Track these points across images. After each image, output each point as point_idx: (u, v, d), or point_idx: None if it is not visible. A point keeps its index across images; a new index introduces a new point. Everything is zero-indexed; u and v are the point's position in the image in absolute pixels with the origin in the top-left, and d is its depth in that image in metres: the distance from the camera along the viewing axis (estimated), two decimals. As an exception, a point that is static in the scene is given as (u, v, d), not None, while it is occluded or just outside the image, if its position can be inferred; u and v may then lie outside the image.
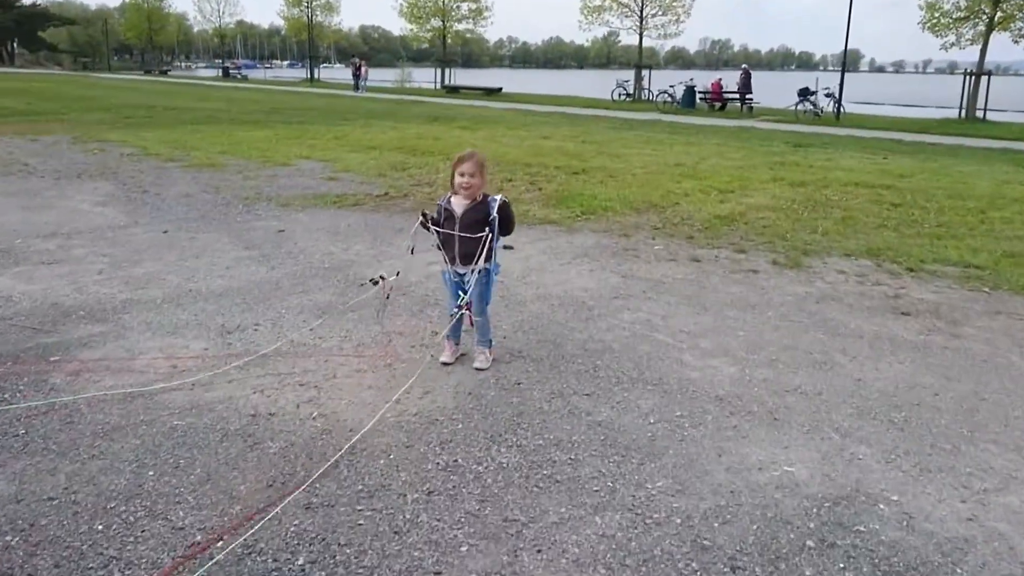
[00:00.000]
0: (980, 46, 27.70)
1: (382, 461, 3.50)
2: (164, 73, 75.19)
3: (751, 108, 30.82)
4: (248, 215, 8.72)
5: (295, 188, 10.44)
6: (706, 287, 6.35)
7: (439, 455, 3.57)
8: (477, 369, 4.55)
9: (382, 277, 4.70)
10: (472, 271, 4.42)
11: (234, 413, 3.95)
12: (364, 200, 9.69)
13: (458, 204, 4.37)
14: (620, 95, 37.14)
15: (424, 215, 4.49)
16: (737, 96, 31.20)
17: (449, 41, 48.64)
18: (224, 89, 42.72)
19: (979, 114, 27.48)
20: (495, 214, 4.32)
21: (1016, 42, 27.63)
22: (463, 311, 4.46)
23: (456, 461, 3.52)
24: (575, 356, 4.78)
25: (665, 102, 32.09)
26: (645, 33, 37.93)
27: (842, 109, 27.87)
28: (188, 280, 6.21)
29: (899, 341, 5.21)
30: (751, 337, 5.20)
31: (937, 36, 27.82)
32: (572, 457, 3.57)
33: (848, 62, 31.06)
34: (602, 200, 9.79)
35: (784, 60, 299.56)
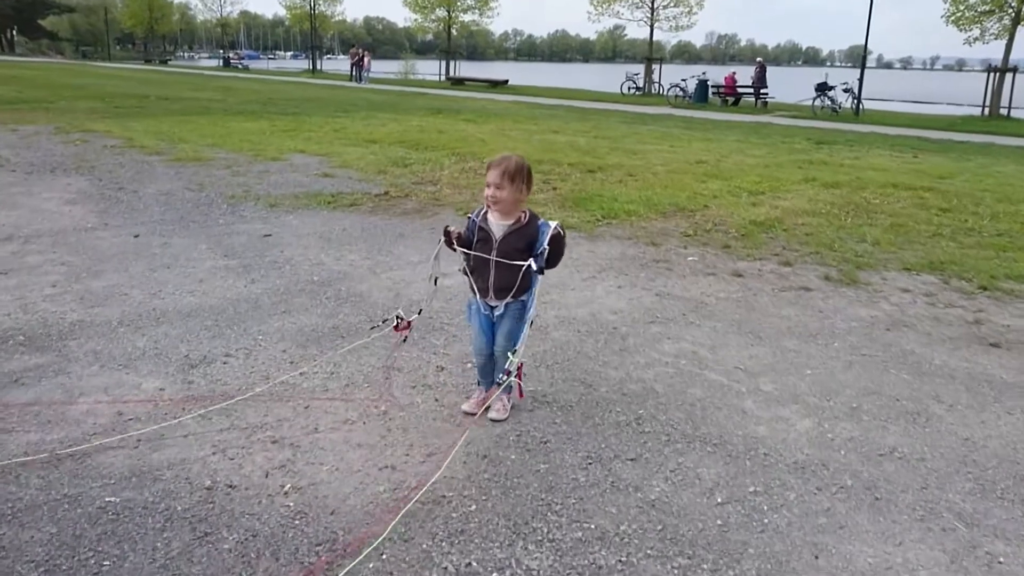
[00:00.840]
0: (1005, 42, 26.72)
1: (372, 565, 2.63)
2: (164, 63, 74.24)
3: (766, 103, 29.87)
4: (232, 217, 7.84)
5: (286, 186, 9.56)
6: (755, 309, 5.47)
7: (447, 555, 2.69)
8: (493, 420, 3.68)
9: (399, 318, 3.82)
10: (507, 307, 3.57)
11: (185, 484, 3.08)
12: (361, 200, 8.80)
13: (496, 224, 3.47)
14: (629, 88, 36.18)
15: (447, 233, 3.54)
16: (751, 91, 30.22)
17: (454, 32, 47.61)
18: (222, 79, 41.77)
19: (1003, 111, 26.52)
20: (546, 245, 3.39)
21: (1041, 37, 26.62)
22: (510, 379, 3.37)
23: (470, 565, 2.65)
24: (612, 402, 3.90)
25: (677, 96, 31.15)
26: (656, 25, 36.91)
27: (861, 106, 26.90)
28: (154, 296, 5.33)
29: (999, 384, 4.32)
30: (821, 377, 4.32)
31: (961, 30, 26.83)
32: (623, 559, 2.70)
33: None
34: (623, 202, 8.90)
35: (791, 55, 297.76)
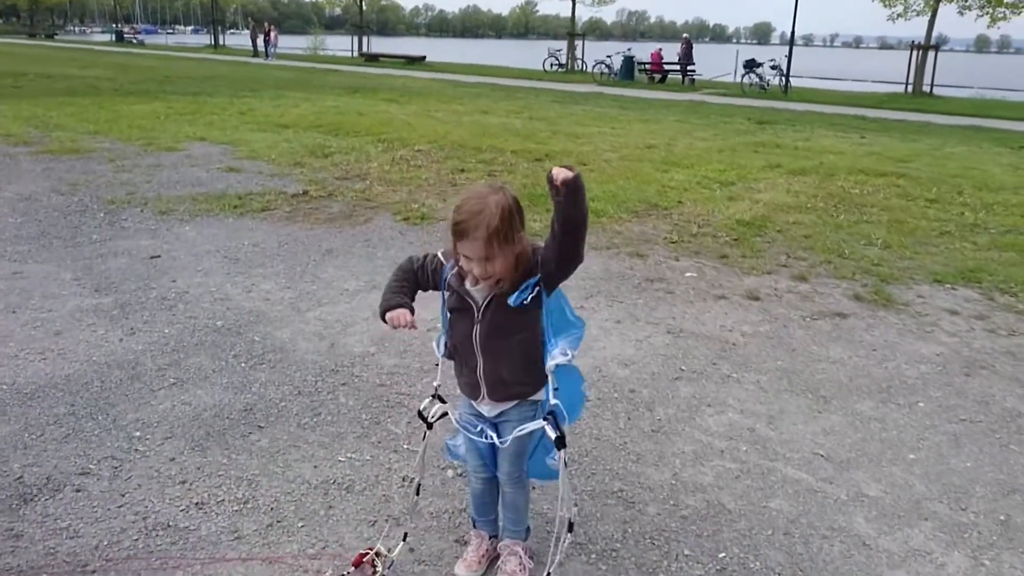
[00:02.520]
0: (909, 20, 26.71)
1: None
2: (50, 37, 68.73)
3: (693, 80, 29.11)
4: (110, 230, 6.21)
5: (182, 184, 7.91)
6: (795, 350, 4.31)
7: None
8: (504, 592, 2.38)
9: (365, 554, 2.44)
10: (512, 413, 2.25)
11: None
12: (276, 202, 7.27)
13: (479, 285, 2.13)
14: (552, 65, 34.91)
15: (400, 319, 2.15)
16: (678, 68, 29.42)
17: (366, 6, 45.26)
18: (115, 55, 38.39)
19: (926, 89, 26.49)
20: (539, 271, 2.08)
21: (961, 14, 26.67)
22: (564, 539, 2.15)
23: None
24: (672, 535, 2.65)
25: (602, 73, 30.08)
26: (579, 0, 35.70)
27: (789, 84, 26.44)
28: (-16, 362, 3.78)
29: None
30: (931, 464, 3.17)
31: (886, 6, 26.58)
32: None
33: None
34: (588, 199, 7.63)
35: (699, 32, 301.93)
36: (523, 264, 2.06)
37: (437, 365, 2.36)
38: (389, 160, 9.58)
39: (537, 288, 2.06)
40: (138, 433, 3.19)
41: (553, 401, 2.12)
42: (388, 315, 2.15)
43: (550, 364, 2.12)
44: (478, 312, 2.12)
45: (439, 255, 2.22)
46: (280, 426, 3.29)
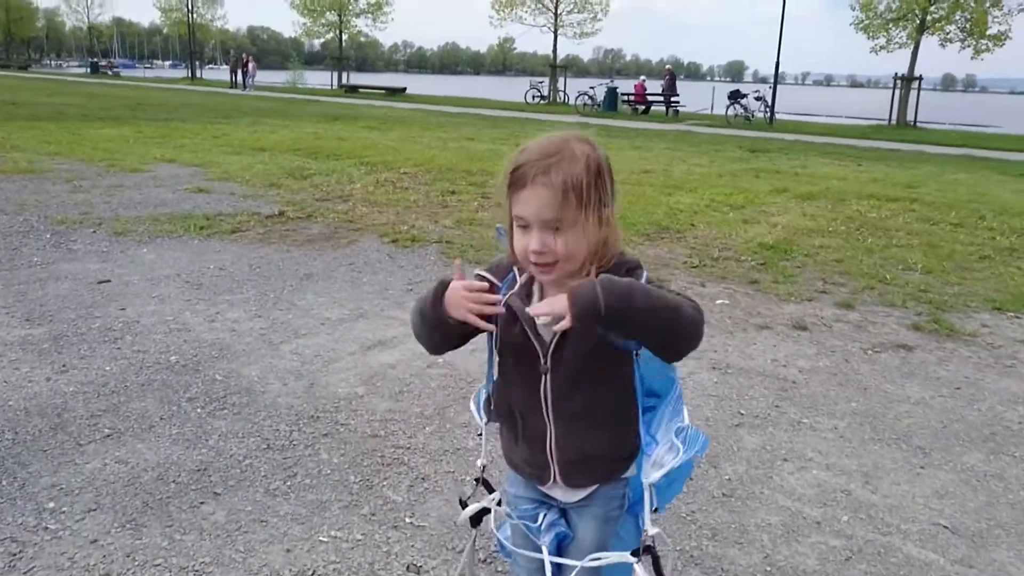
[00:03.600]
0: (894, 54, 26.72)
1: None
2: (24, 68, 67.77)
3: (677, 112, 28.85)
4: (55, 252, 5.42)
5: (144, 205, 7.14)
6: (867, 388, 3.61)
7: None
8: None
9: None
10: (598, 497, 1.50)
11: None
12: (248, 223, 6.52)
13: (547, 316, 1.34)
14: (534, 97, 34.59)
15: (483, 295, 1.35)
16: (662, 99, 29.16)
17: (346, 38, 44.90)
18: (88, 85, 37.56)
19: (909, 120, 26.38)
20: (644, 276, 1.35)
21: (943, 46, 26.66)
22: None
23: None
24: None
25: (585, 104, 29.73)
26: (560, 32, 35.50)
27: (774, 115, 26.23)
28: None
29: None
30: (1085, 536, 2.47)
31: (870, 38, 26.47)
32: None
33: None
34: (592, 221, 6.97)
35: (674, 69, 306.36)
36: (606, 259, 1.34)
37: (480, 435, 1.61)
38: (373, 182, 8.87)
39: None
40: (52, 504, 2.41)
41: (651, 531, 1.40)
42: (453, 295, 1.35)
43: (651, 476, 1.39)
44: (545, 357, 1.39)
45: (484, 273, 1.48)
46: (242, 493, 2.53)
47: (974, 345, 4.29)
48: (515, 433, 1.49)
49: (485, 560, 2.23)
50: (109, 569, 2.12)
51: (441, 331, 1.39)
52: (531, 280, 1.43)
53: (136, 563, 2.15)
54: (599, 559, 1.43)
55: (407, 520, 2.42)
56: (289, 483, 2.61)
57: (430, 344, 1.46)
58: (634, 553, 1.39)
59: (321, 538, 2.31)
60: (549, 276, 1.36)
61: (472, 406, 1.61)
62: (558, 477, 1.46)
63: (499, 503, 1.58)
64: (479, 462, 1.59)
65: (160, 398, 3.20)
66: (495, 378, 1.50)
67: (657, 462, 1.39)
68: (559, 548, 1.52)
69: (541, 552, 1.50)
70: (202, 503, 2.46)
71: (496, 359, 1.47)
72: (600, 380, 1.39)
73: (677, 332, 1.27)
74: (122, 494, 2.49)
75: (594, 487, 1.47)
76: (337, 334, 4.05)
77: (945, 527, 2.48)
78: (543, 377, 1.40)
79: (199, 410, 3.11)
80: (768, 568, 2.23)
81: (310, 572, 2.15)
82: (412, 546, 2.27)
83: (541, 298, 1.40)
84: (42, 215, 6.49)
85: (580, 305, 1.22)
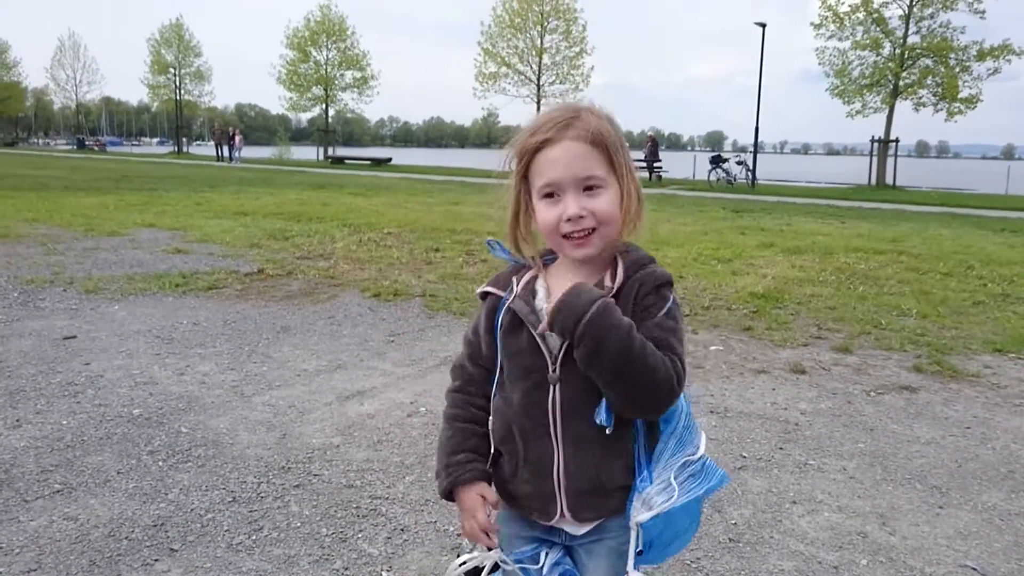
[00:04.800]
0: (875, 117, 27.32)
1: None
2: (11, 145, 68.19)
3: (660, 177, 29.19)
4: (21, 310, 5.20)
5: (119, 265, 6.95)
6: (873, 429, 3.43)
7: None
8: None
9: None
10: (609, 529, 1.28)
11: None
12: (225, 281, 6.34)
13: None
14: (518, 166, 35.02)
15: (482, 522, 1.28)
16: (645, 164, 29.53)
17: (333, 113, 45.57)
18: (73, 159, 37.63)
19: (888, 181, 26.81)
20: (667, 306, 1.22)
21: (916, 110, 27.29)
22: None
23: None
24: None
25: (570, 171, 30.08)
26: (543, 102, 36.15)
27: (756, 179, 26.59)
28: None
29: None
30: (1126, 576, 2.26)
31: (845, 103, 27.08)
32: None
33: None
34: (579, 274, 6.84)
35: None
36: (629, 236, 1.21)
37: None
38: (356, 241, 8.75)
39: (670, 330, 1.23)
40: (-13, 565, 2.16)
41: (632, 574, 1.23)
42: (461, 504, 1.31)
43: (640, 515, 1.21)
44: (554, 364, 1.21)
45: (489, 288, 1.33)
46: (202, 548, 2.29)
47: (979, 385, 4.13)
48: (515, 460, 1.28)
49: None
50: (43, 635, 1.88)
51: None
52: (533, 279, 1.28)
53: (75, 627, 1.91)
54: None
55: (384, 574, 2.18)
56: (254, 537, 2.37)
57: None
58: None
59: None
60: (585, 250, 1.21)
61: None
62: (566, 510, 1.25)
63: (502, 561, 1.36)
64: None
65: (119, 452, 2.96)
66: (493, 397, 1.32)
67: (647, 502, 1.21)
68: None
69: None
70: (156, 560, 2.22)
71: (498, 371, 1.30)
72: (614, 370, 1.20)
73: (636, 395, 1.16)
74: (67, 552, 2.25)
75: (602, 517, 1.27)
76: (313, 385, 3.84)
77: (974, 569, 2.27)
78: (552, 389, 1.21)
79: (160, 463, 2.87)
80: (785, 617, 2.01)
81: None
82: (388, 602, 2.04)
83: (548, 295, 1.24)
84: (12, 276, 6.28)
85: (564, 312, 1.12)
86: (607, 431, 1.19)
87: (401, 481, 2.79)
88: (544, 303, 1.23)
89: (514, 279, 1.29)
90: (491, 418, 1.32)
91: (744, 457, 3.06)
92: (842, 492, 2.77)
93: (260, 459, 2.94)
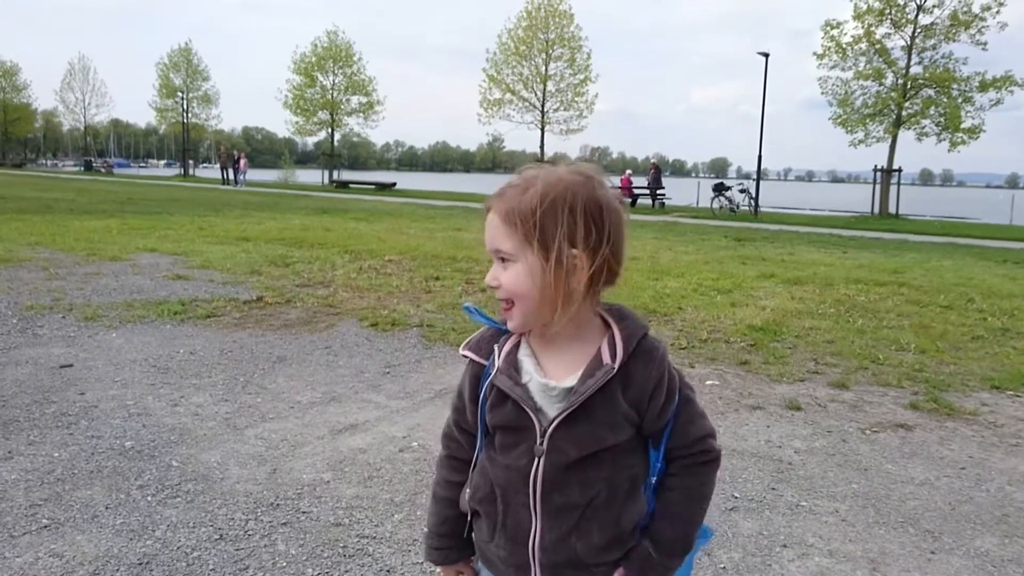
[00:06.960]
0: (874, 147, 27.45)
1: None
2: (19, 166, 68.67)
3: (663, 204, 29.29)
4: (19, 337, 5.22)
5: (119, 291, 6.98)
6: (867, 469, 3.41)
7: None
8: None
9: None
10: None
11: None
12: (224, 308, 6.35)
13: (547, 378, 1.21)
14: (522, 191, 35.16)
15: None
16: (648, 191, 29.66)
17: (339, 137, 45.89)
18: (80, 181, 37.97)
19: (891, 211, 26.85)
20: (672, 402, 1.27)
21: (919, 140, 27.38)
22: None
23: None
24: None
25: (573, 198, 30.19)
26: (547, 128, 36.37)
27: (759, 207, 26.65)
28: None
29: None
30: (1118, 627, 2.23)
31: (848, 132, 27.20)
32: None
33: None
34: (578, 305, 6.84)
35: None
36: (572, 308, 1.18)
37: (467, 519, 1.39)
38: (356, 269, 8.77)
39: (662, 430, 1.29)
40: (-31, 604, 2.15)
41: None
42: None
43: None
44: (542, 438, 1.20)
45: (468, 353, 1.31)
46: (186, 588, 2.27)
47: (976, 424, 4.11)
48: (493, 523, 1.26)
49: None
50: None
51: None
52: (515, 347, 1.25)
53: (54, 671, 1.89)
54: None
55: (367, 618, 2.17)
56: (239, 577, 2.36)
57: None
58: None
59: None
60: (509, 320, 1.21)
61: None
62: (537, 567, 1.23)
63: None
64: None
65: (108, 486, 2.96)
66: (478, 454, 1.31)
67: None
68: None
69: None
70: (139, 601, 2.21)
71: (484, 437, 1.29)
72: (603, 465, 1.20)
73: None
74: (50, 592, 2.24)
75: None
76: (307, 418, 3.83)
77: (964, 619, 2.25)
78: (536, 461, 1.20)
79: (149, 498, 2.87)
80: (771, 668, 1.99)
81: None
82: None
83: (537, 366, 1.22)
84: (12, 301, 6.31)
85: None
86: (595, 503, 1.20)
87: (389, 519, 2.77)
88: (534, 375, 1.21)
89: (495, 348, 1.26)
90: (473, 474, 1.31)
91: (736, 498, 3.04)
92: (833, 535, 2.75)
93: (249, 495, 2.93)
